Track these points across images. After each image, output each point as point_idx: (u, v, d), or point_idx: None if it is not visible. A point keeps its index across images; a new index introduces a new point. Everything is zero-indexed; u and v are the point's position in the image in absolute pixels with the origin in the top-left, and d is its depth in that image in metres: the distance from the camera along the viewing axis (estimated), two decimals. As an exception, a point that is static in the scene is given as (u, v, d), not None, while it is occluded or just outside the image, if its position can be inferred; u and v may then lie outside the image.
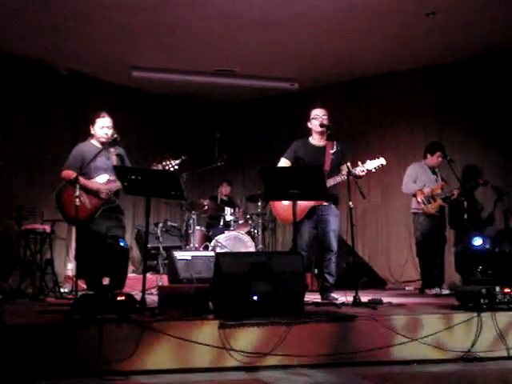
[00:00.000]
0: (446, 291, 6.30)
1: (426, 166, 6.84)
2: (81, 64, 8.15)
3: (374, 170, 5.39)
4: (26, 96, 7.80)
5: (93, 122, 5.51)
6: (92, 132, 5.53)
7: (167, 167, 5.20)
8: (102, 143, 5.45)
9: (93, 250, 5.16)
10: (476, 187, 7.14)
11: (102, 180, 5.36)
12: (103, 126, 5.46)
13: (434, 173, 6.84)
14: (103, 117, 5.50)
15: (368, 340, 4.02)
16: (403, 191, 6.97)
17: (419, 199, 6.62)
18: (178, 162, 5.29)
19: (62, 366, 3.59)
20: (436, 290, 6.37)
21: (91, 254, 5.17)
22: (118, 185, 5.16)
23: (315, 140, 5.71)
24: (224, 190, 9.06)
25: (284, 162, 5.64)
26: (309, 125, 5.71)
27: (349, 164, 5.35)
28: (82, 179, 5.13)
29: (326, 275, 5.54)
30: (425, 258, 6.73)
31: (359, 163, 5.36)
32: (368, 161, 5.39)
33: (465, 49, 7.68)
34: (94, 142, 5.53)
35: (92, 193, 5.29)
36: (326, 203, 5.48)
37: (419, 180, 6.76)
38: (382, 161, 5.41)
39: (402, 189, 6.93)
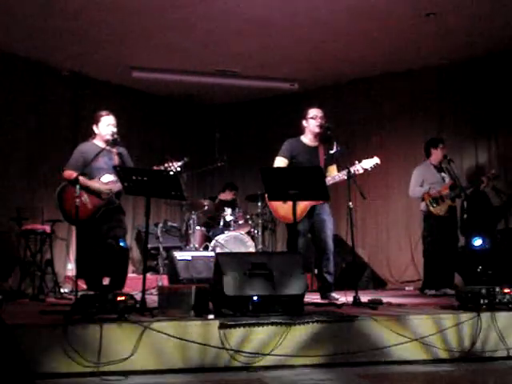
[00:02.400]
0: (451, 292, 6.16)
1: (432, 165, 6.71)
2: (81, 65, 8.16)
3: (369, 169, 5.43)
4: (27, 97, 7.81)
5: (96, 121, 5.49)
6: (96, 131, 5.50)
7: (169, 169, 5.20)
8: (107, 142, 5.44)
9: (93, 250, 5.18)
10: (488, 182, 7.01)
11: (105, 180, 5.35)
12: (109, 124, 5.45)
13: (440, 171, 6.70)
14: (108, 115, 5.50)
15: (367, 340, 4.02)
16: (410, 196, 6.88)
17: (427, 202, 6.52)
18: (180, 163, 5.29)
19: (62, 367, 3.59)
20: (442, 291, 6.30)
21: (91, 255, 5.19)
22: (119, 185, 5.16)
23: (308, 139, 5.72)
24: (224, 197, 8.94)
25: (281, 161, 5.64)
26: (304, 123, 5.71)
27: (335, 167, 5.51)
28: (82, 179, 5.12)
29: (326, 275, 5.54)
30: (429, 259, 6.66)
31: (356, 162, 5.38)
32: (364, 160, 5.43)
33: (464, 50, 7.69)
34: (96, 141, 5.52)
35: (93, 193, 5.29)
36: (320, 202, 5.50)
37: (426, 183, 6.63)
38: (376, 160, 5.45)
39: (410, 194, 6.83)
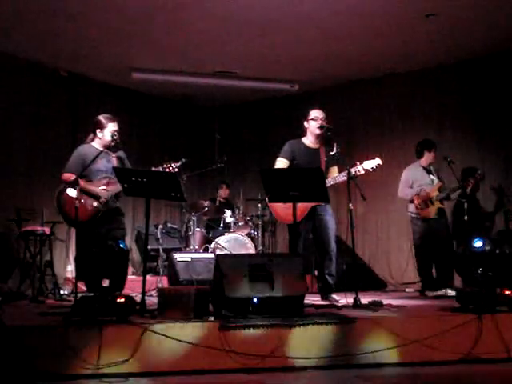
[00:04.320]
0: (452, 293, 6.13)
1: (421, 167, 6.76)
2: (81, 66, 8.15)
3: (371, 170, 5.41)
4: (26, 98, 7.79)
5: (101, 126, 5.46)
6: (99, 135, 5.48)
7: (168, 170, 5.21)
8: (107, 146, 5.44)
9: (93, 251, 5.17)
10: (476, 183, 6.99)
11: (71, 194, 5.33)
12: (114, 130, 5.46)
13: (429, 173, 6.75)
14: (113, 121, 5.50)
15: (368, 342, 4.01)
16: (399, 196, 6.92)
17: (416, 204, 6.56)
18: (178, 164, 5.30)
19: (62, 368, 3.58)
20: (443, 292, 6.30)
21: (91, 256, 5.18)
22: (118, 187, 5.16)
23: (309, 141, 5.71)
24: (223, 193, 9.07)
25: (283, 162, 5.63)
26: (305, 124, 5.70)
27: (336, 169, 5.54)
28: (82, 182, 5.13)
29: (327, 276, 5.53)
30: (423, 261, 6.69)
31: (357, 163, 5.37)
32: (365, 161, 5.42)
33: (464, 50, 7.69)
34: (95, 144, 5.52)
35: (92, 196, 5.30)
36: (322, 203, 5.49)
37: (415, 184, 6.68)
38: (378, 161, 5.43)
39: (398, 193, 6.88)
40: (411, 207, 6.71)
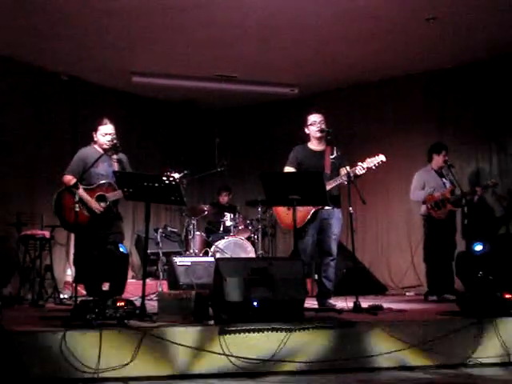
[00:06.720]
0: (452, 297, 6.04)
1: (433, 170, 6.72)
2: (81, 69, 8.16)
3: (374, 167, 5.32)
4: (26, 101, 7.79)
5: (95, 129, 5.49)
6: (95, 139, 5.52)
7: (168, 181, 5.20)
8: (105, 150, 5.45)
9: (92, 255, 5.16)
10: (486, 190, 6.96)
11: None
12: (106, 134, 5.45)
13: (441, 176, 6.70)
14: (105, 124, 5.49)
15: (368, 346, 4.01)
16: (411, 199, 6.85)
17: (429, 205, 6.51)
18: (179, 175, 5.30)
19: (61, 373, 3.58)
20: (446, 297, 6.26)
21: (91, 260, 5.17)
22: (117, 193, 5.15)
23: (314, 145, 5.70)
24: (222, 199, 9.01)
25: (289, 171, 5.61)
26: (306, 131, 5.70)
27: (348, 168, 5.37)
28: (80, 190, 5.11)
29: (324, 280, 5.46)
30: (431, 264, 6.65)
31: (358, 163, 5.32)
32: (367, 159, 5.35)
33: (465, 54, 7.69)
34: (97, 146, 5.53)
35: (87, 208, 5.28)
36: (328, 207, 5.44)
37: (427, 186, 6.62)
38: (381, 157, 5.34)
39: (410, 196, 6.81)
40: (423, 209, 6.65)
